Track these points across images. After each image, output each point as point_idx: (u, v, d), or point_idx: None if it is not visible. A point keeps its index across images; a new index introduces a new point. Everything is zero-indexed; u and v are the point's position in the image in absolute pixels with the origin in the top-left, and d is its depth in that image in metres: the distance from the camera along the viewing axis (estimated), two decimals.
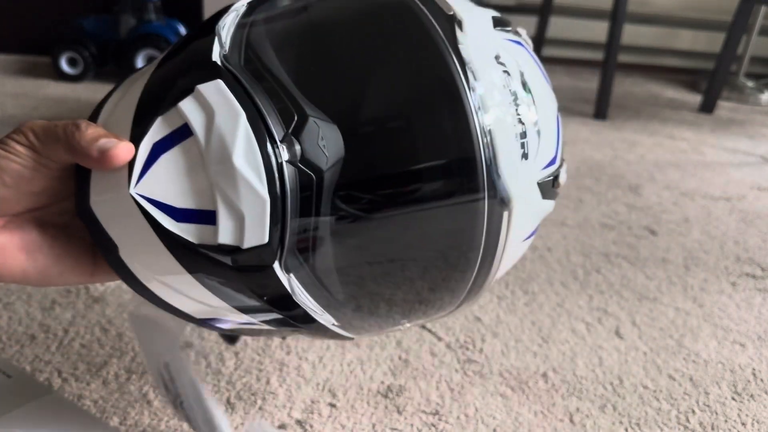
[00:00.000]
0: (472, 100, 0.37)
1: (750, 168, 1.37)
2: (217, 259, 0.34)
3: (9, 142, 0.35)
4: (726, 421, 0.65)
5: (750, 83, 1.95)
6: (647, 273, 0.91)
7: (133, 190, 0.34)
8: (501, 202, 0.39)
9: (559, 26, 2.02)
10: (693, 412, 0.65)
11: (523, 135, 0.40)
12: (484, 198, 0.38)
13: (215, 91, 0.34)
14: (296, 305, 0.37)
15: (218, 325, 0.41)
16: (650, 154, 1.39)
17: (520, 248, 0.46)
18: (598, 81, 1.59)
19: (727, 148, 1.47)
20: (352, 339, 0.44)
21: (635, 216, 1.09)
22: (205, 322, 0.41)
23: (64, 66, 1.56)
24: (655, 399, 0.66)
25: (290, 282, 0.36)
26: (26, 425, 0.52)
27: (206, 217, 0.34)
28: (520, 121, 0.40)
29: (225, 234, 0.33)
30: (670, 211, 1.12)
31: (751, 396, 0.68)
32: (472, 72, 0.38)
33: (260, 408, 0.60)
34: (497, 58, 0.41)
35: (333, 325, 0.40)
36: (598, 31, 1.92)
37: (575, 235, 1.00)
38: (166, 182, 0.34)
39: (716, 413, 0.65)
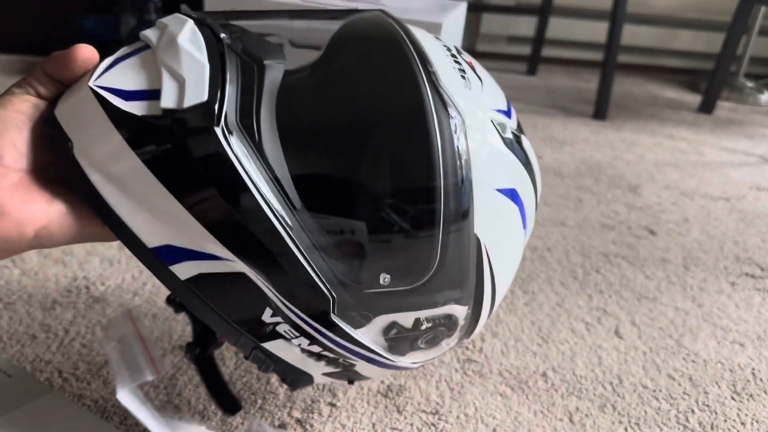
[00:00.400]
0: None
1: (749, 168, 1.37)
2: (159, 126, 0.36)
3: (20, 91, 0.40)
4: (725, 420, 0.65)
5: (749, 83, 1.95)
6: (647, 273, 0.91)
7: (91, 82, 0.38)
8: (444, 107, 0.41)
9: (558, 27, 2.03)
10: (692, 411, 0.65)
11: (462, 71, 0.45)
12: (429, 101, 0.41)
13: (172, 17, 0.41)
14: (242, 187, 0.37)
15: (173, 264, 0.39)
16: (650, 154, 1.39)
17: (495, 201, 0.45)
18: (598, 81, 1.59)
19: (726, 148, 1.47)
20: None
21: (635, 216, 1.09)
22: (158, 261, 0.39)
23: None
24: (655, 398, 0.67)
25: (233, 149, 0.36)
26: (27, 425, 0.52)
27: (153, 95, 0.37)
28: (456, 62, 0.46)
29: (167, 98, 0.36)
30: (669, 211, 1.12)
31: (751, 395, 0.68)
32: None
33: (260, 407, 0.60)
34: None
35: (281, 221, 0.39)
36: (598, 31, 1.93)
37: (575, 235, 1.00)
38: (121, 75, 0.38)
39: (715, 413, 0.66)
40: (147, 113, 0.36)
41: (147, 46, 0.40)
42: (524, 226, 0.48)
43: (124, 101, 0.37)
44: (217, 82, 0.37)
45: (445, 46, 0.47)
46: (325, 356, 0.45)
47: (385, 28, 0.46)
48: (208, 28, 0.40)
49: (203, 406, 0.60)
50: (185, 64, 0.37)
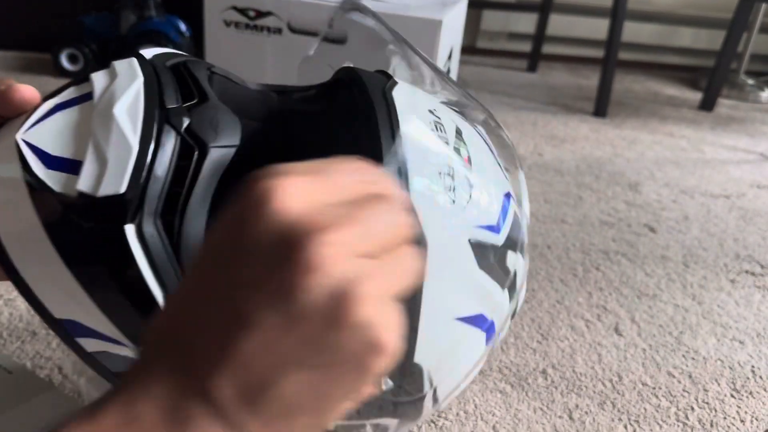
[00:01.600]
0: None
1: (750, 166, 1.37)
2: (72, 208, 0.33)
3: None
4: (725, 418, 0.65)
5: (750, 81, 1.95)
6: (647, 270, 0.91)
7: (19, 135, 0.34)
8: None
9: (559, 23, 2.02)
10: (692, 409, 0.65)
11: (451, 176, 0.39)
12: None
13: (127, 65, 0.36)
14: (146, 293, 0.33)
15: (79, 337, 0.38)
16: (650, 151, 1.39)
17: (453, 331, 0.41)
18: (598, 78, 1.59)
19: (726, 146, 1.47)
20: None
21: (635, 213, 1.09)
22: (61, 325, 0.38)
23: (65, 63, 1.56)
24: (654, 396, 0.67)
25: (142, 257, 0.33)
26: (27, 421, 0.52)
27: (75, 167, 0.33)
28: (448, 166, 0.40)
29: (85, 180, 0.33)
30: (669, 208, 1.12)
31: (750, 393, 0.69)
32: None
33: None
34: (432, 111, 0.42)
35: None
36: (599, 28, 1.92)
37: (575, 232, 1.00)
38: (51, 133, 0.35)
39: (715, 410, 0.66)
40: (63, 191, 0.33)
41: (90, 95, 0.36)
42: (488, 343, 0.44)
43: (44, 168, 0.34)
44: (141, 170, 0.33)
45: (442, 138, 0.41)
46: None
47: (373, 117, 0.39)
48: (158, 87, 0.35)
49: None
50: (113, 142, 0.33)
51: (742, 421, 0.65)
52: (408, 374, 0.40)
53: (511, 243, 0.44)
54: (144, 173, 0.33)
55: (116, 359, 0.38)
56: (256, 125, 0.40)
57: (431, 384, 0.42)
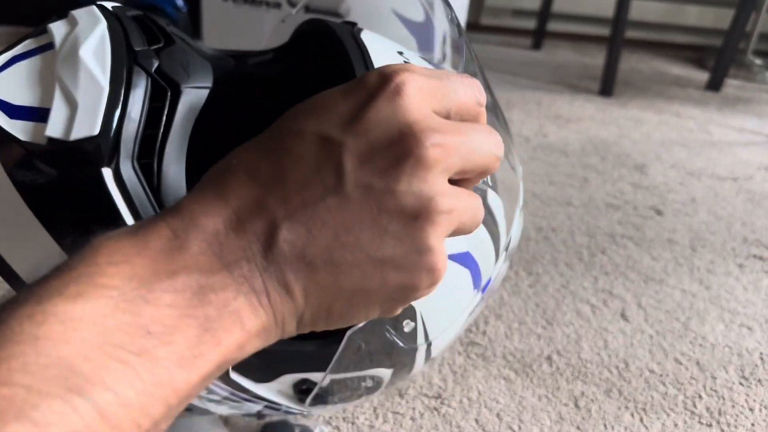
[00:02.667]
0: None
1: (757, 147, 1.35)
2: (41, 156, 0.31)
3: None
4: (733, 406, 0.63)
5: (758, 61, 1.92)
6: (653, 254, 0.89)
7: None
8: None
9: (564, 0, 1.98)
10: (700, 396, 0.64)
11: None
12: None
13: (87, 12, 0.34)
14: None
15: None
16: (656, 132, 1.37)
17: None
18: (604, 57, 1.56)
19: (734, 127, 1.44)
20: None
21: (641, 196, 1.07)
22: None
23: None
24: (662, 383, 0.65)
25: (122, 201, 0.31)
26: None
27: (41, 114, 0.31)
28: None
29: (54, 125, 0.30)
30: (676, 191, 1.10)
31: (759, 381, 0.67)
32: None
33: None
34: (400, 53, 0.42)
35: None
36: (605, 5, 1.89)
37: (580, 215, 0.99)
38: (12, 83, 0.32)
39: (723, 398, 0.64)
40: (30, 139, 0.31)
41: (50, 45, 0.34)
42: (476, 286, 0.44)
43: (7, 118, 0.31)
44: (114, 111, 0.31)
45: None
46: (228, 402, 0.42)
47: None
48: (123, 32, 0.34)
49: None
50: (82, 85, 0.31)
51: (750, 409, 0.63)
52: (403, 315, 0.39)
53: (492, 182, 0.45)
54: (117, 114, 0.31)
55: None
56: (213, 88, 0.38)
57: (424, 328, 0.41)
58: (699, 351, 0.71)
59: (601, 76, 1.58)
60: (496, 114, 0.48)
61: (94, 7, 0.35)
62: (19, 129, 0.31)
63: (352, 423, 0.57)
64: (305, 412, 0.45)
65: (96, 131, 0.30)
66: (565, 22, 2.08)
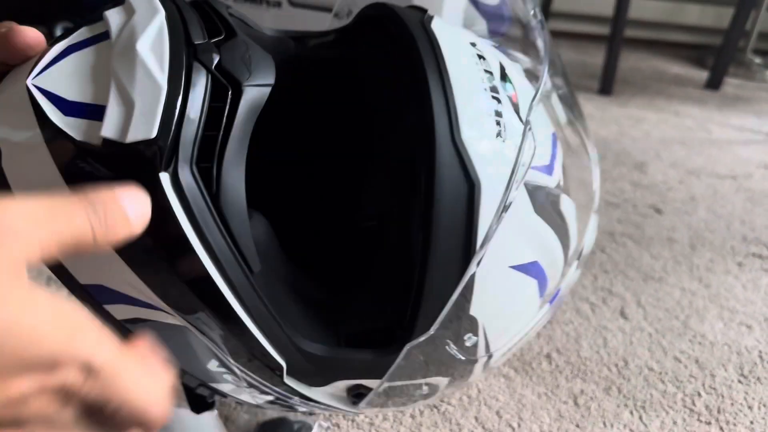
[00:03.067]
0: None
1: (757, 146, 1.35)
2: (96, 157, 0.29)
3: None
4: (732, 404, 0.64)
5: (757, 59, 1.92)
6: (652, 252, 0.89)
7: (29, 81, 0.30)
8: (463, 175, 0.34)
9: None
10: (699, 395, 0.64)
11: (498, 113, 0.37)
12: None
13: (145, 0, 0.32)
14: (186, 249, 0.30)
15: (107, 304, 0.35)
16: (656, 130, 1.37)
17: (507, 279, 0.39)
18: (604, 56, 1.56)
19: (733, 126, 1.45)
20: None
21: (640, 194, 1.07)
22: (87, 291, 0.34)
23: None
24: (661, 381, 0.65)
25: (179, 208, 0.30)
26: None
27: (96, 112, 0.30)
28: (495, 98, 0.37)
29: (110, 125, 0.29)
30: (675, 189, 1.10)
31: (758, 379, 0.67)
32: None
33: None
34: (473, 44, 0.40)
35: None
36: (604, 4, 1.89)
37: None
38: (66, 76, 0.31)
39: (722, 396, 0.64)
40: (85, 139, 0.29)
41: (106, 34, 0.32)
42: (542, 296, 0.42)
43: (62, 115, 0.30)
44: (173, 112, 0.29)
45: (487, 71, 0.38)
46: (279, 403, 0.41)
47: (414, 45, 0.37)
48: (182, 23, 0.32)
49: None
50: (139, 83, 0.29)
51: (749, 407, 0.64)
52: (465, 329, 0.38)
53: (564, 186, 0.42)
54: (176, 115, 0.29)
55: (148, 325, 0.35)
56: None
57: (486, 341, 0.40)
58: (698, 349, 0.71)
59: (600, 75, 1.58)
60: (570, 106, 0.46)
61: None
62: (73, 127, 0.29)
63: (352, 420, 0.57)
64: (356, 413, 0.45)
65: (153, 134, 0.29)
66: (564, 20, 2.08)
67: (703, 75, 1.80)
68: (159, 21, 0.31)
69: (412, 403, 0.44)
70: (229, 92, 0.31)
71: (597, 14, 2.02)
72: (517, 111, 0.38)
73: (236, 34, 0.34)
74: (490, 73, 0.38)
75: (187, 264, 0.31)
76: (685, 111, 1.51)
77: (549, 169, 0.40)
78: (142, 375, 0.24)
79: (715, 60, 1.74)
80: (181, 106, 0.30)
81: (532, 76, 0.43)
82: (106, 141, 0.29)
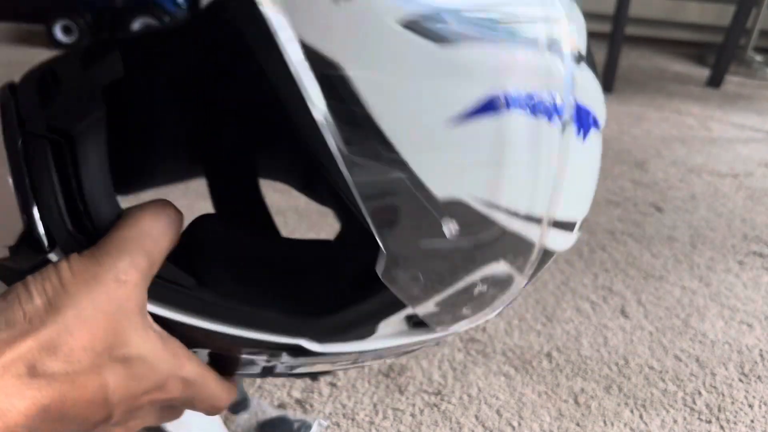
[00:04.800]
0: None
1: (757, 144, 1.35)
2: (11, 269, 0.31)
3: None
4: (733, 402, 0.63)
5: (758, 57, 1.92)
6: (653, 251, 0.89)
7: None
8: None
9: None
10: (699, 393, 0.64)
11: None
12: None
13: None
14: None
15: None
16: (657, 129, 1.36)
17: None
18: (605, 53, 1.56)
19: (734, 124, 1.44)
20: None
21: (641, 192, 1.07)
22: None
23: (59, 34, 1.53)
24: (661, 380, 0.65)
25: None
26: None
27: None
28: None
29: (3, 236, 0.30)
30: (676, 187, 1.10)
31: (758, 377, 0.67)
32: None
33: (259, 387, 0.59)
34: None
35: None
36: (605, 2, 1.88)
37: None
38: None
39: (723, 395, 0.64)
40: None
41: None
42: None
43: None
44: (29, 201, 0.30)
45: None
46: (355, 364, 0.39)
47: None
48: (14, 109, 0.32)
49: None
50: None
51: (750, 405, 0.63)
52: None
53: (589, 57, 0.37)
54: (30, 200, 0.30)
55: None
56: None
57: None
58: (699, 348, 0.71)
59: (601, 73, 1.58)
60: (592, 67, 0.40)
61: None
62: None
63: (352, 419, 0.57)
64: (447, 334, 0.38)
65: (21, 228, 0.30)
66: None
67: (704, 73, 1.80)
68: None
69: (489, 305, 0.36)
70: (64, 146, 0.31)
71: (598, 11, 2.02)
72: None
73: (61, 82, 0.34)
74: None
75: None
76: (686, 109, 1.51)
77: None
78: (216, 378, 0.33)
79: (716, 58, 1.74)
80: (32, 190, 0.30)
81: None
82: (10, 249, 0.30)
